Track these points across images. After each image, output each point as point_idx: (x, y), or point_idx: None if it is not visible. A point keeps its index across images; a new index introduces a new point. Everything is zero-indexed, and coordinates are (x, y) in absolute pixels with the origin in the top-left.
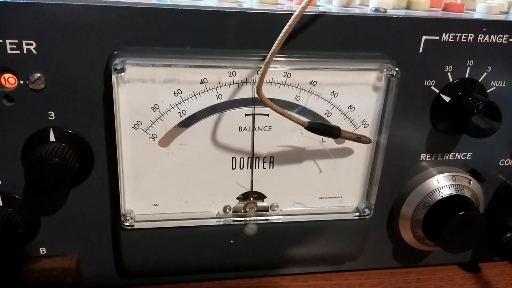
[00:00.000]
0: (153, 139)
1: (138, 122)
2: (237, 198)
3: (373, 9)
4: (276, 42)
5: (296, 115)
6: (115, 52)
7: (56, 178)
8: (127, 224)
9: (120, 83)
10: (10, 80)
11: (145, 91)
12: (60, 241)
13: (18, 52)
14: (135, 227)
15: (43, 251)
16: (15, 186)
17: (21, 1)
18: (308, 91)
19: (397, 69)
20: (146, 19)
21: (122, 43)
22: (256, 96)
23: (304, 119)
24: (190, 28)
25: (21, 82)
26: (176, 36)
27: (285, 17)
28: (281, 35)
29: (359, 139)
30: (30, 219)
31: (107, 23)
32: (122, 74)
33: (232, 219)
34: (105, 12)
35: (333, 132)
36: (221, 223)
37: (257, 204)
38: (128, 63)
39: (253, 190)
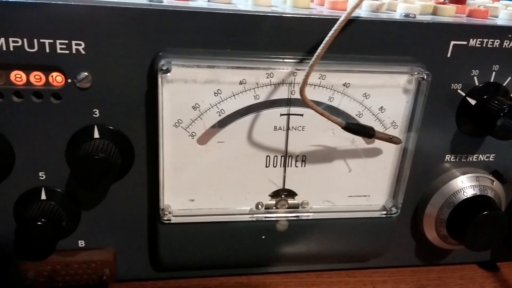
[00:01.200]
0: (192, 137)
1: (179, 121)
2: (269, 195)
3: (403, 14)
4: (322, 45)
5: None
6: (161, 53)
7: (101, 173)
8: (165, 218)
9: (165, 83)
10: (57, 79)
11: (187, 91)
12: (98, 235)
13: (68, 52)
14: (172, 222)
15: (81, 244)
16: (58, 180)
17: (72, 3)
18: (341, 93)
19: (428, 72)
20: (189, 22)
21: (165, 44)
22: (292, 96)
23: (341, 120)
24: (230, 31)
25: (69, 80)
26: (217, 38)
27: (320, 21)
28: (326, 39)
29: (391, 139)
30: (72, 213)
31: (152, 25)
32: (168, 74)
33: (264, 215)
34: (150, 14)
35: (368, 132)
36: (254, 219)
37: (288, 201)
38: (173, 64)
39: (285, 187)
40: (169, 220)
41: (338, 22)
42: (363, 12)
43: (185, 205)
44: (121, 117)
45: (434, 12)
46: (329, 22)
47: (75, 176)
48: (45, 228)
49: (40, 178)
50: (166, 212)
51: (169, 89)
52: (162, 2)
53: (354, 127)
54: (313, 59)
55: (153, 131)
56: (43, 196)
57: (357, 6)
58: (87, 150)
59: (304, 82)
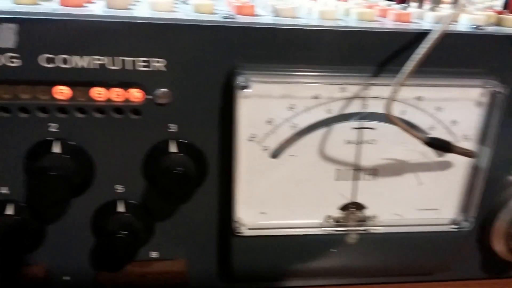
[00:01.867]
0: (265, 151)
1: (253, 135)
2: (339, 208)
3: (473, 26)
4: (415, 60)
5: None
6: (237, 70)
7: (182, 186)
8: (239, 231)
9: (242, 98)
10: (137, 95)
11: (262, 106)
12: (171, 246)
13: (148, 69)
14: (245, 235)
15: (154, 255)
16: (134, 193)
17: (153, 22)
18: (414, 106)
19: (504, 85)
20: (261, 37)
21: (240, 60)
22: (365, 110)
23: (423, 135)
24: (304, 46)
25: (148, 96)
26: (290, 53)
27: (393, 35)
28: (420, 54)
29: (466, 153)
30: (147, 224)
31: (226, 41)
32: (246, 90)
33: (334, 228)
34: (225, 31)
35: (446, 146)
36: (323, 233)
37: (358, 214)
38: (252, 81)
39: (355, 201)
40: (242, 233)
41: (434, 36)
42: (427, 24)
43: (257, 218)
44: (195, 131)
45: (498, 23)
46: (403, 35)
47: (157, 189)
48: (126, 240)
49: (118, 191)
50: (239, 225)
51: (245, 105)
52: (234, 18)
53: (436, 142)
54: (403, 75)
55: (226, 145)
56: (121, 209)
57: (450, 20)
58: (167, 164)
59: (391, 99)
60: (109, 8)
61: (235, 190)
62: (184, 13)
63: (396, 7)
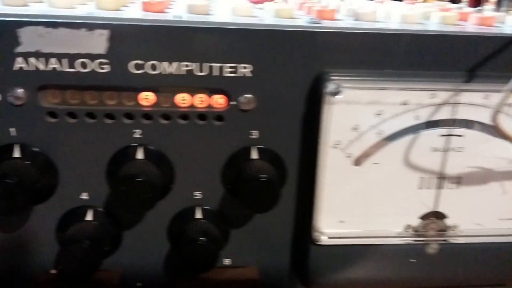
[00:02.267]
0: (348, 158)
1: (338, 142)
2: (419, 218)
3: None
4: None
5: None
6: (327, 76)
7: (268, 194)
8: (318, 240)
9: (329, 104)
10: (220, 101)
11: (349, 112)
12: (244, 253)
13: (235, 75)
14: (324, 243)
15: (227, 262)
16: (212, 199)
17: (242, 27)
18: (505, 113)
19: None
20: (349, 42)
21: (326, 66)
22: (454, 117)
23: None
24: (393, 51)
25: (232, 102)
26: (377, 58)
27: (483, 39)
28: None
29: None
30: (224, 231)
31: (312, 46)
32: (336, 97)
33: (413, 238)
34: (314, 37)
35: None
36: (403, 242)
37: (438, 224)
38: (342, 87)
39: (436, 210)
40: (321, 241)
41: None
42: (508, 28)
43: (335, 226)
44: (277, 138)
45: None
46: (493, 40)
47: (240, 197)
48: (208, 247)
49: (196, 197)
50: (318, 234)
51: (333, 111)
52: (320, 23)
53: None
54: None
55: (307, 152)
56: (198, 215)
57: None
58: (251, 171)
59: (498, 109)
60: (190, 13)
61: (317, 198)
62: (264, 18)
63: (469, 10)
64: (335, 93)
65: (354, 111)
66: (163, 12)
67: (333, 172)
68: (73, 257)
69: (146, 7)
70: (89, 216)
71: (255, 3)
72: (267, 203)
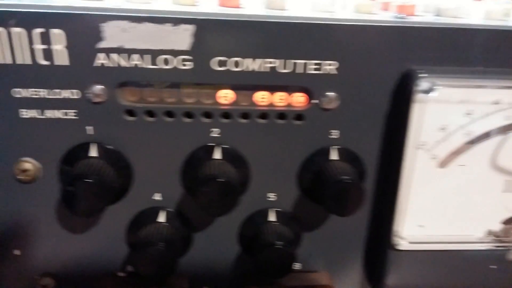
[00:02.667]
0: (433, 160)
1: (423, 142)
2: (502, 223)
3: None
4: None
5: None
6: (418, 73)
7: (354, 196)
8: (398, 244)
9: (419, 103)
10: (300, 100)
11: (438, 112)
12: (314, 258)
13: (319, 72)
14: (403, 248)
15: (298, 267)
16: (287, 201)
17: (328, 22)
18: None
19: None
20: (441, 39)
21: (414, 62)
22: None
23: None
24: (485, 47)
25: (314, 101)
26: (469, 55)
27: None
28: None
29: None
30: (297, 234)
31: (401, 42)
32: (430, 95)
33: (494, 244)
34: (402, 32)
35: None
36: (483, 248)
37: None
38: (437, 84)
39: None
40: (401, 246)
41: None
42: None
43: (414, 230)
44: (357, 137)
45: None
46: None
47: (326, 200)
48: (285, 251)
49: (270, 199)
50: (398, 238)
51: (423, 110)
52: (405, 18)
53: None
54: None
55: (388, 153)
56: (272, 218)
57: None
58: (333, 174)
59: None
60: (268, 8)
61: (399, 201)
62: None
63: None
64: (428, 91)
65: (444, 110)
66: (238, 7)
67: (416, 174)
68: (150, 260)
69: (223, 2)
70: (161, 218)
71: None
72: (351, 206)
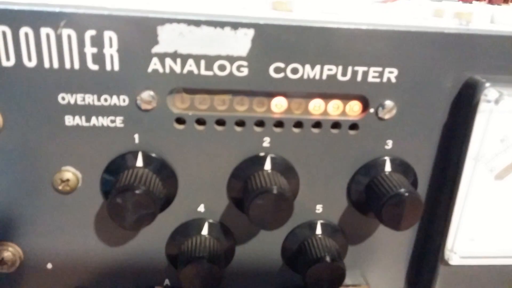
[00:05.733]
0: (490, 172)
1: (482, 154)
2: None
3: None
4: None
5: None
6: (484, 82)
7: (412, 210)
8: (450, 259)
9: (485, 113)
10: (355, 108)
11: (501, 122)
12: (356, 271)
13: (378, 80)
14: (454, 263)
15: None
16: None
17: (391, 29)
18: None
19: None
20: (503, 47)
21: (476, 71)
22: None
23: None
24: None
25: (371, 110)
26: None
27: None
28: None
29: None
30: (343, 247)
31: (465, 50)
32: (499, 105)
33: None
34: (467, 39)
35: None
36: None
37: None
38: (505, 94)
39: None
40: (453, 261)
41: None
42: None
43: (465, 245)
44: (411, 148)
45: None
46: None
47: (386, 214)
48: (337, 266)
49: (318, 211)
50: (451, 253)
51: (488, 120)
52: (468, 26)
53: None
54: None
55: (443, 164)
56: (319, 231)
57: None
58: (395, 187)
59: None
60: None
61: (453, 214)
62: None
63: None
64: (496, 101)
65: (507, 121)
66: (291, 11)
67: (472, 187)
68: (197, 274)
69: (276, 6)
70: (205, 230)
71: None
72: (409, 220)
